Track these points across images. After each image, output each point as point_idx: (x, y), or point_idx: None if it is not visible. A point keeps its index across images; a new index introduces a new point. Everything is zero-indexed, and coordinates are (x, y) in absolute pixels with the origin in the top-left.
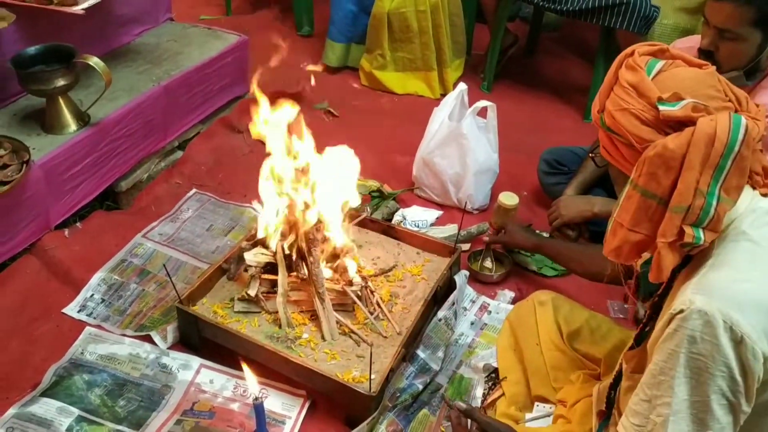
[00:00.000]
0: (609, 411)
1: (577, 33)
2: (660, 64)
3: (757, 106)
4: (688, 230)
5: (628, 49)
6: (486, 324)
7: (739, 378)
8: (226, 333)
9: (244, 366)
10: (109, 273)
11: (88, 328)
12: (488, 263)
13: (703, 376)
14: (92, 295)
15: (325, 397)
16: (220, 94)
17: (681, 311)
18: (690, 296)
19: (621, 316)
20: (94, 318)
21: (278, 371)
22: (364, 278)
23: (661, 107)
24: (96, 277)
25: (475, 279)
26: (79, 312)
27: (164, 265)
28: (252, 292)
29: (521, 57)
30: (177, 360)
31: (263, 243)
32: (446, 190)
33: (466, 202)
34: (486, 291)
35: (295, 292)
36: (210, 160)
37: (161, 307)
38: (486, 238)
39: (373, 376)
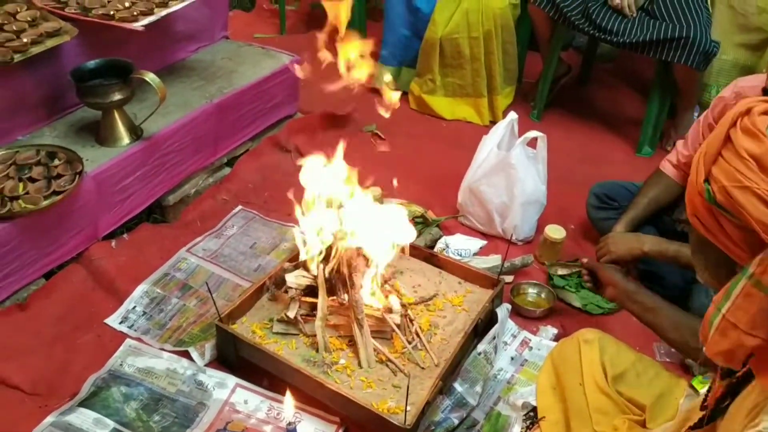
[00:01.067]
0: None
1: (632, 65)
2: None
3: None
4: None
5: (742, 106)
6: (527, 360)
7: None
8: (263, 354)
9: (288, 392)
10: (152, 286)
11: (128, 340)
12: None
13: None
14: (134, 307)
15: (359, 425)
16: (270, 113)
17: None
18: None
19: (668, 359)
20: (135, 330)
21: (313, 396)
22: (403, 306)
23: None
24: (139, 290)
25: (517, 313)
26: (120, 323)
27: (206, 283)
28: (291, 314)
29: (574, 87)
30: (213, 378)
31: (305, 265)
32: (491, 219)
33: (511, 233)
34: (528, 326)
35: (334, 316)
36: (257, 178)
37: (201, 323)
38: (585, 260)
39: (408, 408)
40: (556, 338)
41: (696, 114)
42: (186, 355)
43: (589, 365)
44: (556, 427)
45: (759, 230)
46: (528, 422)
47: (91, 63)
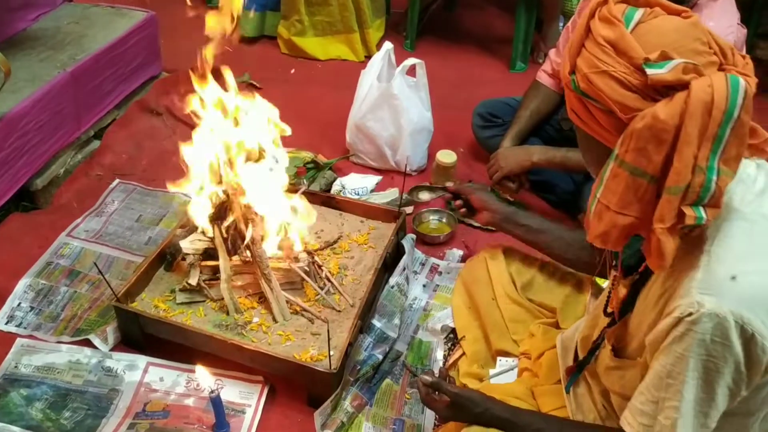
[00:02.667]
0: (578, 367)
1: None
2: (638, 14)
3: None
4: (688, 211)
5: None
6: (438, 285)
7: (744, 371)
8: (171, 327)
9: (198, 364)
10: (35, 278)
11: (19, 340)
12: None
13: (712, 375)
14: (19, 303)
15: (284, 380)
16: (133, 76)
17: (689, 314)
18: (697, 297)
19: None
20: (25, 328)
21: (231, 360)
22: (309, 253)
23: (648, 70)
24: (21, 284)
25: (422, 241)
26: (6, 324)
27: (95, 263)
28: (193, 281)
29: (442, 12)
30: (122, 361)
31: (199, 228)
32: (383, 153)
33: (405, 164)
34: (434, 252)
35: (238, 276)
36: (130, 148)
37: (97, 307)
38: (450, 184)
39: (331, 353)
40: (463, 259)
41: (561, 24)
42: (87, 343)
43: (498, 279)
44: (476, 344)
45: (617, 110)
46: (449, 344)
47: None
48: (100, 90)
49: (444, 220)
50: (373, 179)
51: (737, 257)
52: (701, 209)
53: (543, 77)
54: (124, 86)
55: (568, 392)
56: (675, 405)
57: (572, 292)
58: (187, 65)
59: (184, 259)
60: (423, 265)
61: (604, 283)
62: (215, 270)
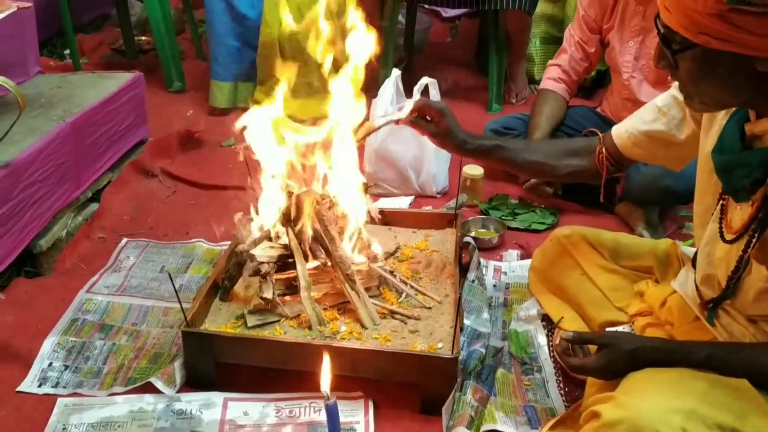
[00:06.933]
0: (715, 302)
1: (439, 51)
2: None
3: None
4: None
5: None
6: (509, 283)
7: None
8: (259, 345)
9: (325, 356)
10: (62, 336)
11: (61, 400)
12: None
13: None
14: (50, 363)
15: (386, 391)
16: (125, 137)
17: None
18: None
19: None
20: (64, 387)
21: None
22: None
23: None
24: (48, 344)
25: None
26: (40, 386)
27: (169, 274)
28: (268, 295)
29: (404, 74)
30: (194, 401)
31: (268, 237)
32: (406, 177)
33: (433, 187)
34: (490, 256)
35: (312, 287)
36: (131, 209)
37: (144, 356)
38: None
39: (440, 345)
40: (521, 258)
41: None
42: (147, 390)
43: (582, 254)
44: (575, 323)
45: None
46: (546, 330)
47: None
48: (97, 147)
49: (492, 227)
50: (405, 200)
51: None
52: None
53: (550, 84)
54: (117, 146)
55: (713, 325)
56: None
57: (658, 249)
58: (175, 129)
59: (256, 273)
60: (485, 267)
61: (688, 243)
62: (287, 284)
